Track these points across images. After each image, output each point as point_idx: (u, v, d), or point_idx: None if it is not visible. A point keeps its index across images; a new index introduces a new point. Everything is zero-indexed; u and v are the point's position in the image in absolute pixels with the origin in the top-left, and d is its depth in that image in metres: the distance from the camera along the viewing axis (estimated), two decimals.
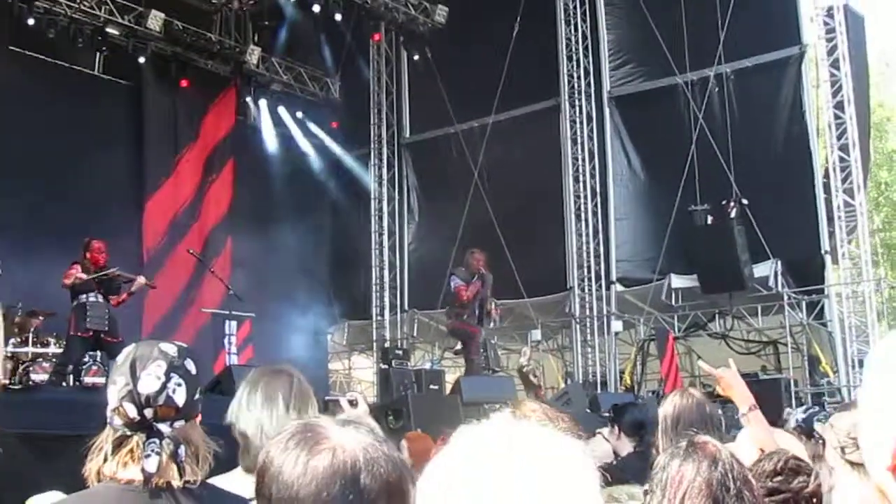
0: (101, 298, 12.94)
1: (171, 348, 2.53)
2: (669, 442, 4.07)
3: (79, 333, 12.68)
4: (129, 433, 2.42)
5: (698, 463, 2.48)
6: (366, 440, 1.74)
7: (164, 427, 2.42)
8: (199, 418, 2.58)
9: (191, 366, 2.52)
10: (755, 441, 4.27)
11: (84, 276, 12.75)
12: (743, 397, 4.37)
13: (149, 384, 2.42)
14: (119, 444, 2.43)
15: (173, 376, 2.45)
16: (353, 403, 4.33)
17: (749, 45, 19.63)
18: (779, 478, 3.14)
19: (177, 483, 2.41)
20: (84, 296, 12.80)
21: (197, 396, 2.53)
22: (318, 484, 1.67)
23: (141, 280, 13.85)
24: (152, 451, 2.38)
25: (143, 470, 2.37)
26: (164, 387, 2.43)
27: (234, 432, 3.33)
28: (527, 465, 1.48)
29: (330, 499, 1.66)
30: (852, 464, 4.28)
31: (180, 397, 2.44)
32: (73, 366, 12.84)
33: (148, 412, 2.41)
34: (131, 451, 2.41)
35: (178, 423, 2.45)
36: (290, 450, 1.73)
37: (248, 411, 3.34)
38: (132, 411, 2.42)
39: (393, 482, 1.70)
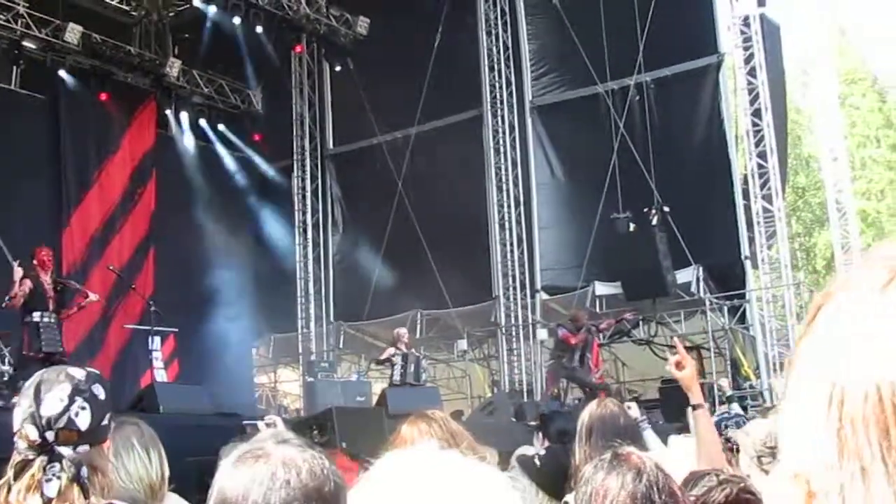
0: (53, 318, 12.59)
1: (78, 373, 2.50)
2: (584, 451, 4.08)
3: (32, 353, 12.28)
4: (31, 456, 2.40)
5: (622, 476, 2.45)
6: (291, 451, 1.85)
7: (65, 451, 2.39)
8: (107, 444, 2.56)
9: (99, 391, 2.49)
10: (700, 439, 4.29)
11: (28, 284, 12.31)
12: (699, 391, 4.39)
13: (51, 406, 2.40)
14: (22, 468, 2.40)
15: (77, 399, 2.42)
16: (270, 426, 4.32)
17: (668, 54, 19.85)
18: None
19: None
20: (38, 314, 12.37)
21: (105, 422, 2.51)
22: (242, 489, 1.81)
23: (94, 297, 13.54)
24: (53, 475, 2.36)
25: (42, 494, 2.35)
26: (66, 409, 2.40)
27: None
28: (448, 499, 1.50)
29: (251, 503, 1.78)
30: (768, 473, 4.31)
31: (83, 421, 2.42)
32: None
33: (49, 435, 2.39)
34: (33, 475, 2.38)
35: (82, 448, 2.42)
36: (229, 463, 1.88)
37: (115, 460, 3.35)
38: (33, 433, 2.39)
39: (312, 489, 1.80)
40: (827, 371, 0.81)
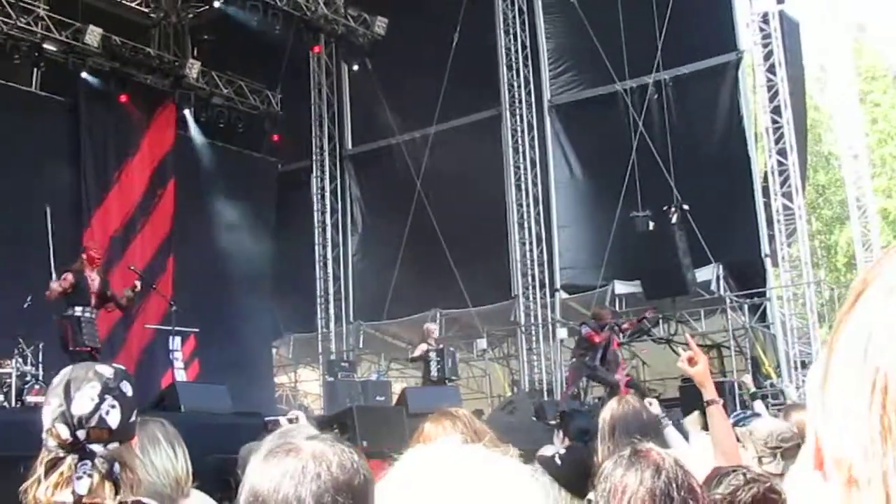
0: (94, 314, 12.55)
1: (107, 370, 2.52)
2: (607, 449, 4.08)
3: (77, 348, 12.15)
4: (62, 454, 2.41)
5: (641, 472, 2.45)
6: (321, 446, 1.89)
7: (97, 448, 2.41)
8: (134, 441, 2.58)
9: (126, 388, 2.51)
10: (714, 435, 4.29)
11: (70, 279, 12.27)
12: (712, 387, 4.41)
13: (82, 405, 2.41)
14: (52, 465, 2.42)
15: (107, 398, 2.44)
16: (292, 422, 4.35)
17: (687, 51, 19.81)
18: None
19: (110, 503, 2.41)
20: (79, 308, 12.33)
21: (133, 419, 2.52)
22: (273, 483, 1.84)
23: (138, 285, 13.42)
24: (84, 472, 2.38)
25: (73, 492, 2.36)
26: (97, 408, 2.42)
27: None
28: (472, 491, 1.51)
29: (281, 496, 1.82)
30: (770, 475, 4.30)
31: (114, 419, 2.43)
32: None
33: (81, 433, 2.40)
34: (62, 473, 2.40)
35: (112, 446, 2.44)
36: (259, 459, 1.93)
37: (142, 455, 3.38)
38: (65, 432, 2.41)
39: (342, 482, 1.83)
40: (870, 357, 0.80)
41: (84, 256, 12.62)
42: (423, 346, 16.39)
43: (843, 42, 26.69)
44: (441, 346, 16.59)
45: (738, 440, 5.18)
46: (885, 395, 0.78)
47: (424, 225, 22.22)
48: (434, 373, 16.04)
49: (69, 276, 12.29)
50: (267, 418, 9.24)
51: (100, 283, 12.60)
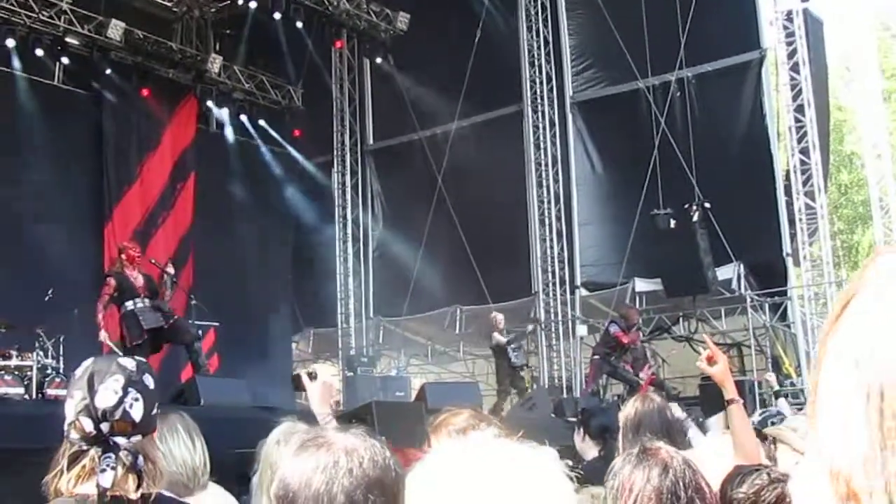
0: (147, 302, 12.54)
1: (129, 363, 2.52)
2: (630, 446, 4.08)
3: (134, 343, 12.25)
4: (85, 447, 2.41)
5: (648, 470, 2.46)
6: (352, 440, 1.90)
7: (121, 440, 2.41)
8: (156, 433, 2.58)
9: (149, 381, 2.51)
10: (735, 434, 4.28)
11: (112, 283, 12.39)
12: (732, 386, 4.41)
13: (106, 398, 2.41)
14: (75, 458, 2.42)
15: (131, 391, 2.44)
16: (311, 376, 4.39)
17: (710, 49, 19.75)
18: None
19: (133, 496, 2.40)
20: (130, 302, 12.38)
21: (154, 412, 2.52)
22: (304, 477, 1.84)
23: (170, 270, 13.39)
24: (108, 465, 2.38)
25: (97, 484, 2.36)
26: (121, 401, 2.42)
27: None
28: (505, 481, 1.51)
29: (313, 491, 1.82)
30: None
31: (137, 412, 2.43)
32: None
33: (104, 426, 2.40)
34: (86, 465, 2.40)
35: (135, 438, 2.44)
36: (291, 452, 1.94)
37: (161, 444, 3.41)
38: (88, 425, 2.41)
39: (374, 479, 1.83)
40: (863, 364, 0.78)
41: (123, 256, 12.68)
42: (497, 335, 16.63)
43: (867, 41, 26.51)
44: (513, 335, 16.81)
45: (766, 439, 5.15)
46: (881, 402, 0.76)
47: (445, 221, 22.23)
48: (514, 360, 16.27)
49: (111, 281, 12.40)
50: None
51: (143, 279, 12.66)
